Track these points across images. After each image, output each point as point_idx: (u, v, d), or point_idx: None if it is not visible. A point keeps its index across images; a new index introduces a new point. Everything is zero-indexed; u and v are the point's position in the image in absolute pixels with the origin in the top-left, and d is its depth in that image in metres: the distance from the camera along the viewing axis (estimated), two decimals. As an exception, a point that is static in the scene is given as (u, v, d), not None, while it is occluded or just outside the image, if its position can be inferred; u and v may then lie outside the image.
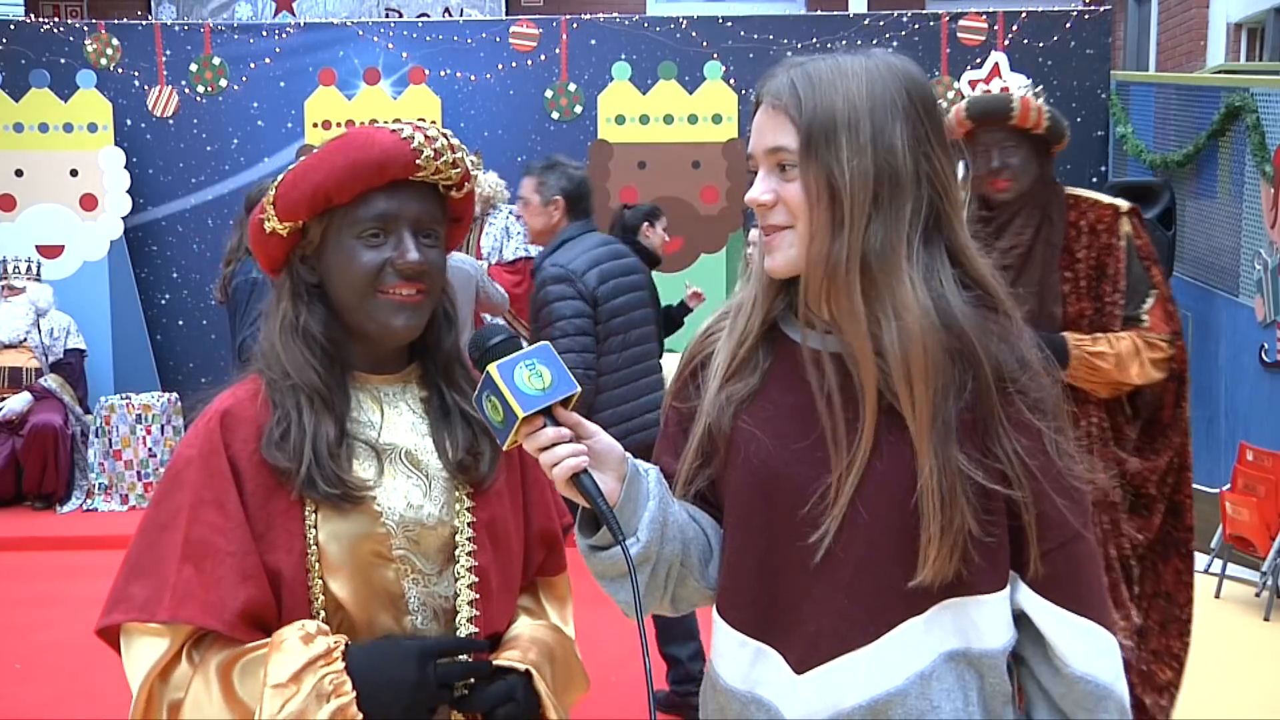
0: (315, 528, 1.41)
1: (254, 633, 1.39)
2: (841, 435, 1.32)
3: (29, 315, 6.88)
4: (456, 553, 1.48)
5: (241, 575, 1.38)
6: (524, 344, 1.32)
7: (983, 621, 1.34)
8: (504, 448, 1.30)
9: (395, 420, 1.50)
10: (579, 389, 1.29)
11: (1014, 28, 7.42)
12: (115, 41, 7.48)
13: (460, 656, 1.45)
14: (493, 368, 1.27)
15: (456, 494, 1.49)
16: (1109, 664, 1.36)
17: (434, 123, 1.47)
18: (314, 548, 1.41)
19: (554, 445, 1.27)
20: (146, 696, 1.38)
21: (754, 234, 1.49)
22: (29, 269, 7.10)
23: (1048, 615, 1.35)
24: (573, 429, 1.29)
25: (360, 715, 1.34)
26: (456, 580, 1.48)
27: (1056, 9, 7.60)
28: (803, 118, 1.30)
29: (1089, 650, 1.35)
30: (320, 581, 1.42)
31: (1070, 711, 1.35)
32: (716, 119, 7.27)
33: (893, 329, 1.28)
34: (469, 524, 1.49)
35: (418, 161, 1.42)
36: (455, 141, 1.46)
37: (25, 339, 6.85)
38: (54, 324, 6.97)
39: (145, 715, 1.39)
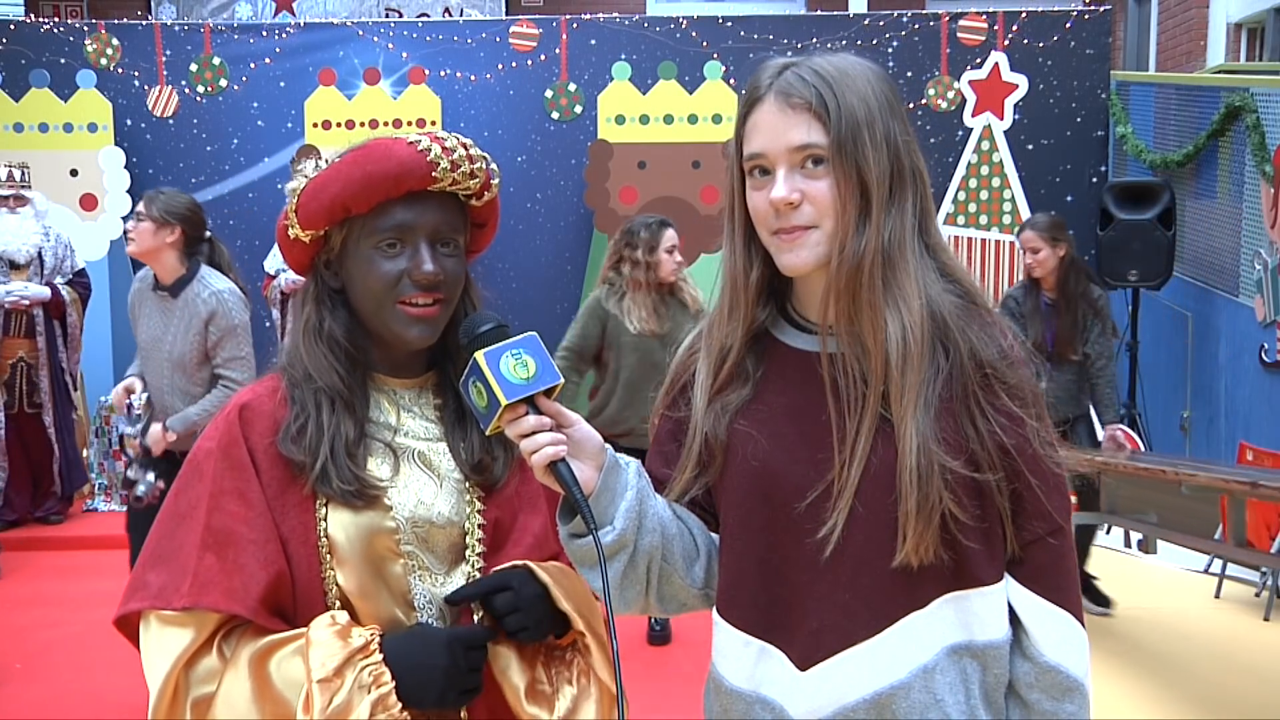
0: (324, 520, 1.43)
1: (275, 619, 1.40)
2: (847, 432, 1.33)
3: (37, 227, 6.15)
4: (467, 553, 1.50)
5: (263, 562, 1.39)
6: (511, 333, 1.34)
7: (986, 613, 1.36)
8: (486, 432, 1.33)
9: (410, 424, 1.52)
10: (562, 380, 1.32)
11: (1014, 28, 7.42)
12: (115, 41, 7.48)
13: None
14: (479, 355, 1.30)
15: (467, 496, 1.51)
16: (1080, 658, 1.38)
17: (464, 140, 1.47)
18: (324, 540, 1.42)
19: (534, 433, 1.29)
20: (173, 688, 1.38)
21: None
22: (22, 176, 6.21)
23: (1028, 602, 1.37)
24: (554, 418, 1.31)
25: (399, 705, 1.36)
26: (467, 577, 1.49)
27: (1056, 9, 7.59)
28: (831, 115, 1.31)
29: (1063, 640, 1.37)
30: (332, 573, 1.43)
31: (1035, 699, 1.37)
32: (716, 119, 7.26)
33: (900, 319, 1.31)
34: (479, 525, 1.50)
35: (434, 174, 1.43)
36: (475, 152, 1.47)
37: (39, 256, 6.14)
38: (55, 243, 6.26)
39: (170, 708, 1.38)
